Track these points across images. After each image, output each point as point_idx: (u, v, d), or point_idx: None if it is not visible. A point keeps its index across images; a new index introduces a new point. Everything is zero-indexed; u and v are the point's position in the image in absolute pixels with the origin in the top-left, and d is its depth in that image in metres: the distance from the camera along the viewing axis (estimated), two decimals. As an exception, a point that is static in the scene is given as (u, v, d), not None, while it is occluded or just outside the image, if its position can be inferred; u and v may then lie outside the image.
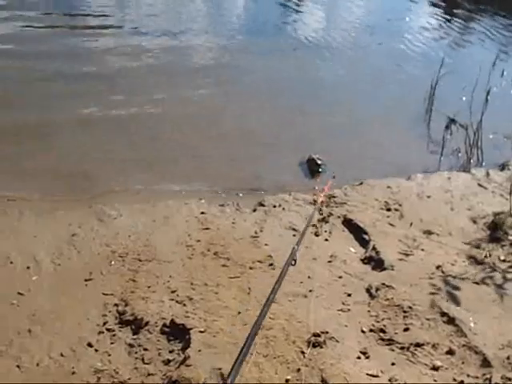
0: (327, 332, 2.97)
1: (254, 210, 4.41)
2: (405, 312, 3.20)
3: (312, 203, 4.51)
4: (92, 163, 4.92)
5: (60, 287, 3.33)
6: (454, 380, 2.76)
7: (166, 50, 7.81)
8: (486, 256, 3.85)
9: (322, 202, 4.47)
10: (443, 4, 11.89)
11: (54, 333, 2.98)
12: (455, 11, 11.52)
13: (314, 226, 4.17)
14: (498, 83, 7.60)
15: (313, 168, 5.27)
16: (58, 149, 5.10)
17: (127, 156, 5.10)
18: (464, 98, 6.65)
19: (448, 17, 11.19)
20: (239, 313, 3.12)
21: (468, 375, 2.79)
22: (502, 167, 5.55)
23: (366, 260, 3.85)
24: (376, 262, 3.79)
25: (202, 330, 2.95)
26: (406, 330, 3.08)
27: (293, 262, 3.29)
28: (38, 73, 6.54)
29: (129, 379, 2.72)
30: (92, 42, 7.78)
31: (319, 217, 4.32)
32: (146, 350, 2.90)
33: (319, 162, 5.28)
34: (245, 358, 2.16)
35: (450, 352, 2.92)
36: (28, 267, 3.47)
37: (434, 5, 11.86)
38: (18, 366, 2.75)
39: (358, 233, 4.18)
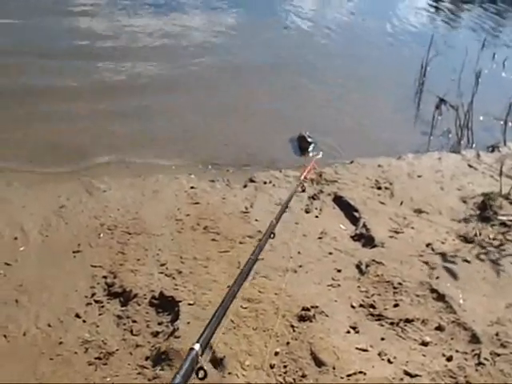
0: (317, 306, 2.97)
1: (245, 186, 4.38)
2: (395, 288, 3.20)
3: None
4: (83, 136, 4.87)
5: (48, 258, 3.29)
6: (443, 355, 2.76)
7: (157, 28, 7.71)
8: (475, 235, 3.86)
9: (305, 178, 4.44)
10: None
11: (41, 303, 2.95)
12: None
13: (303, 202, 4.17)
14: (490, 66, 7.61)
15: (303, 145, 5.25)
16: (49, 121, 5.03)
17: (118, 130, 5.05)
18: (455, 80, 6.66)
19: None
20: (228, 286, 3.10)
21: (457, 351, 2.79)
22: (492, 149, 5.56)
23: (357, 237, 3.84)
24: (366, 239, 3.78)
25: (191, 302, 2.93)
26: (396, 305, 3.08)
27: (272, 236, 3.33)
28: (30, 46, 6.46)
29: (117, 350, 2.69)
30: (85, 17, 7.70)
31: (309, 194, 4.30)
32: (134, 321, 2.88)
33: (309, 139, 5.26)
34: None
35: (440, 328, 2.93)
36: (15, 238, 3.42)
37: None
38: (4, 336, 2.72)
39: (348, 210, 4.16)
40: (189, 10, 8.66)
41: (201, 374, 2.37)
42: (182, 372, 2.33)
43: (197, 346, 2.47)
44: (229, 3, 9.18)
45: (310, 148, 5.24)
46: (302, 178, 4.37)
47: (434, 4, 10.90)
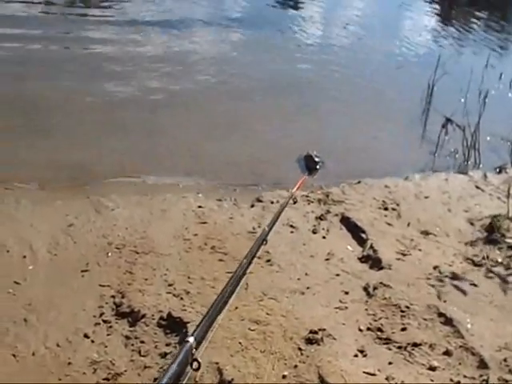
0: (324, 329, 2.96)
1: (252, 206, 4.39)
2: (402, 312, 3.20)
3: (309, 200, 4.51)
4: (91, 154, 4.88)
5: (56, 277, 3.30)
6: (451, 380, 2.75)
7: (163, 44, 7.78)
8: (483, 258, 3.86)
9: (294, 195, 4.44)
10: (439, 7, 11.88)
11: (49, 323, 2.95)
12: (451, 14, 11.55)
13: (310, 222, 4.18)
14: (496, 86, 7.63)
15: (310, 165, 5.26)
16: (57, 139, 5.05)
17: (125, 148, 5.07)
18: (462, 100, 6.69)
19: (444, 19, 11.22)
20: (236, 308, 3.11)
21: (465, 376, 2.78)
22: (500, 170, 5.56)
23: (364, 259, 3.84)
24: (373, 261, 3.78)
25: (199, 323, 2.93)
26: (404, 329, 3.07)
27: (264, 242, 3.36)
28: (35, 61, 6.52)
29: (125, 371, 2.70)
30: (91, 31, 7.77)
31: (317, 214, 4.31)
32: (142, 342, 2.88)
33: (317, 159, 5.27)
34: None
35: (447, 353, 2.92)
36: (24, 256, 3.43)
37: (431, 7, 11.88)
38: (13, 355, 2.72)
39: (355, 231, 4.16)
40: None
41: (195, 365, 2.38)
42: (178, 361, 2.35)
43: (191, 339, 2.49)
44: (241, 22, 9.26)
45: (318, 167, 5.26)
46: (294, 190, 4.39)
47: (441, 24, 10.96)
